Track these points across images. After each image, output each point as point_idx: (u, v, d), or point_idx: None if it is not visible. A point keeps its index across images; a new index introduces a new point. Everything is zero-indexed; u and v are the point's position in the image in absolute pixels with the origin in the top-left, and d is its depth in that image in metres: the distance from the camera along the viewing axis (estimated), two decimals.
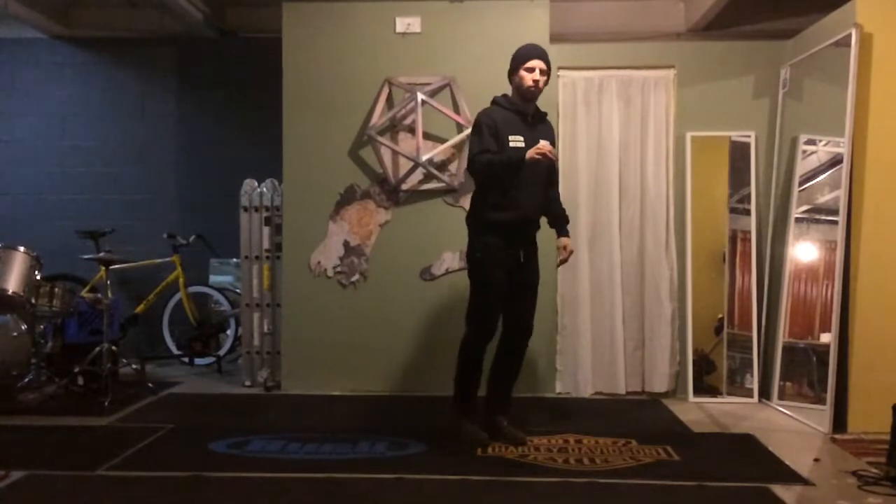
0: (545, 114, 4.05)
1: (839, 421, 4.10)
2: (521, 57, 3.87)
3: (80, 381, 4.78)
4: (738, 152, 4.98)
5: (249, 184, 5.33)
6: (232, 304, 5.96)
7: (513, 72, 3.90)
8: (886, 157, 4.14)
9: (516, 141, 3.79)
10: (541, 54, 3.87)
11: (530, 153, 3.69)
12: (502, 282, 3.83)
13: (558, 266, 4.10)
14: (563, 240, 3.98)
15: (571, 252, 4.00)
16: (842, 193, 4.12)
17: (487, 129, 3.82)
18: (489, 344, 3.91)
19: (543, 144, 3.69)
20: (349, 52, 5.06)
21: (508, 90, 3.90)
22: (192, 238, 6.00)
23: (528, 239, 3.93)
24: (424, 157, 4.92)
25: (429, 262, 5.02)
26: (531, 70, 3.82)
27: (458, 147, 4.98)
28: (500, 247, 3.82)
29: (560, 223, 4.04)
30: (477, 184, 3.92)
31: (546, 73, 3.87)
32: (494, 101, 3.95)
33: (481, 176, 3.84)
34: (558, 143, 4.99)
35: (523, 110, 3.90)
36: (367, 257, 5.08)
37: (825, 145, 4.48)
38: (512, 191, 3.78)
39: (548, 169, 3.92)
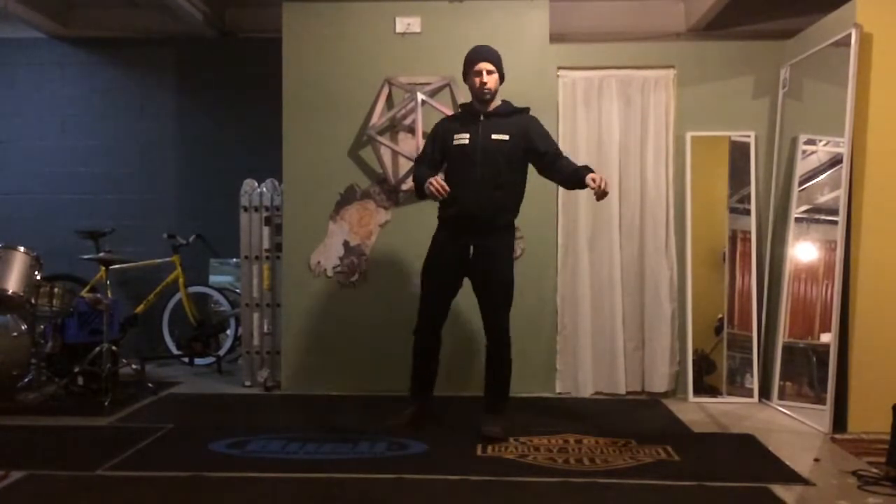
0: (522, 109, 4.11)
1: (839, 421, 4.10)
2: (468, 62, 4.03)
3: (80, 381, 4.78)
4: (738, 152, 4.98)
5: (249, 184, 5.33)
6: (232, 304, 5.96)
7: (465, 76, 4.08)
8: (886, 158, 4.14)
9: (460, 138, 3.98)
10: (485, 56, 3.99)
11: (427, 187, 3.84)
12: (442, 275, 4.03)
13: (598, 199, 3.81)
14: (590, 175, 3.78)
15: (603, 183, 3.71)
16: (842, 193, 4.12)
17: (431, 135, 4.12)
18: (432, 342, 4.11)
19: (435, 183, 3.81)
20: (349, 52, 5.07)
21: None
22: (192, 238, 6.00)
23: (477, 235, 3.96)
24: None
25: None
26: (478, 73, 3.97)
27: None
28: (446, 241, 4.03)
29: (578, 174, 3.85)
30: None
31: (493, 72, 3.98)
32: (459, 106, 4.21)
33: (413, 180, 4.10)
34: (558, 143, 5.00)
35: (478, 110, 4.04)
36: (367, 257, 5.08)
37: (825, 145, 4.48)
38: (455, 189, 3.89)
39: (502, 166, 3.93)
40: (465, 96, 4.96)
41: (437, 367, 4.21)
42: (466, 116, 4.08)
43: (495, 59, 4.01)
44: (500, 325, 4.05)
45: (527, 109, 4.14)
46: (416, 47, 5.03)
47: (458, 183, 3.92)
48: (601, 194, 3.74)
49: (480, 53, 4.01)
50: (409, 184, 5.02)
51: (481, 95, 4.00)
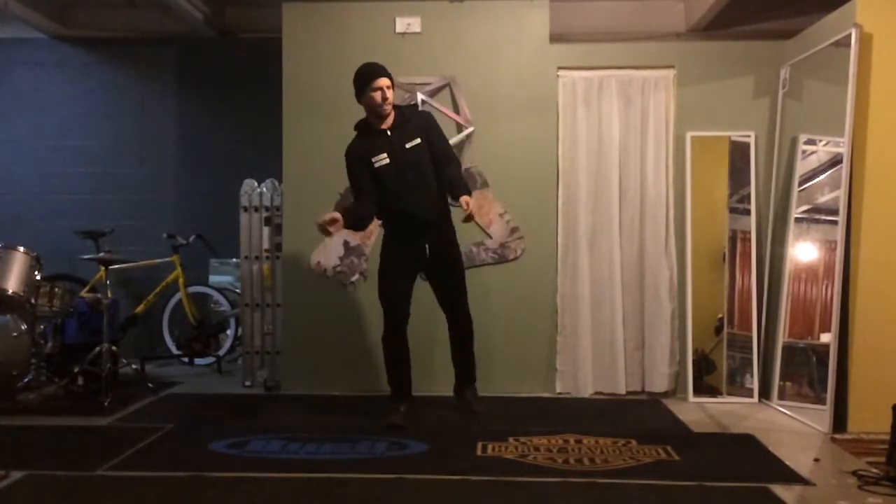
0: (413, 107, 4.23)
1: (839, 421, 4.10)
2: (366, 78, 4.03)
3: (80, 381, 4.78)
4: (738, 152, 4.98)
5: (249, 184, 5.33)
6: (232, 304, 5.97)
7: (360, 95, 4.07)
8: (886, 157, 4.14)
9: (380, 160, 4.03)
10: (382, 72, 4.05)
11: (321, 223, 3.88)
12: (404, 281, 4.17)
13: (463, 222, 4.07)
14: (463, 197, 3.99)
15: (470, 210, 3.94)
16: (842, 193, 4.12)
17: (353, 172, 4.10)
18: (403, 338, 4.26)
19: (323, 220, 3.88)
20: (349, 52, 5.05)
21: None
22: (192, 238, 6.00)
23: (430, 234, 4.14)
24: None
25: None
26: (378, 89, 4.00)
27: (457, 147, 4.97)
28: (401, 250, 4.16)
29: (457, 189, 4.05)
30: None
31: (391, 87, 4.05)
32: (356, 129, 4.16)
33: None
34: (558, 144, 5.01)
35: (378, 127, 4.08)
36: (367, 257, 5.08)
37: (825, 145, 4.48)
38: (398, 204, 4.06)
39: (426, 165, 4.08)
40: (465, 96, 4.98)
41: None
42: (372, 136, 4.09)
43: (389, 74, 4.09)
44: (465, 303, 4.31)
45: (416, 106, 4.24)
46: (416, 47, 5.03)
47: (398, 197, 4.06)
48: (467, 217, 3.97)
49: (378, 70, 4.05)
50: None
51: (382, 112, 4.05)
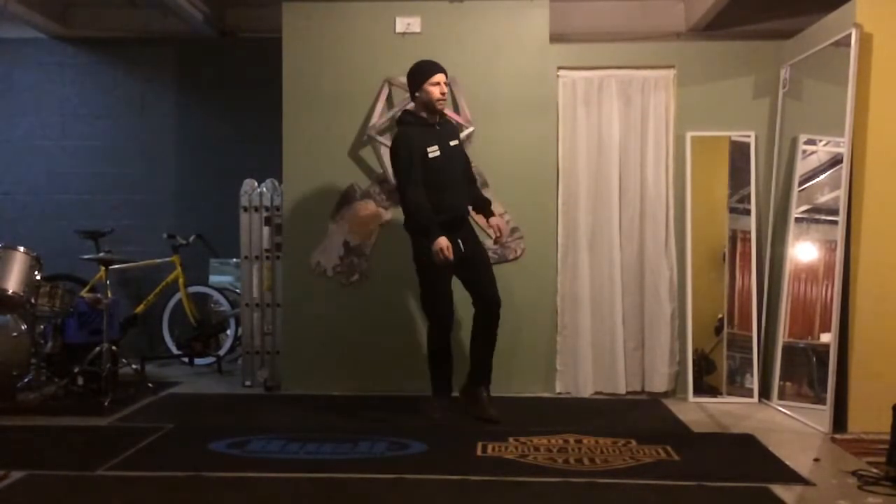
0: (444, 115, 4.42)
1: (839, 421, 4.10)
2: (426, 73, 4.22)
3: (80, 381, 4.77)
4: (738, 152, 4.98)
5: (249, 184, 5.33)
6: (232, 304, 5.96)
7: (417, 88, 4.25)
8: (886, 157, 4.14)
9: (433, 151, 4.19)
10: (441, 69, 4.25)
11: (434, 249, 4.04)
12: (446, 277, 4.23)
13: (495, 243, 4.58)
14: (493, 220, 4.40)
15: (500, 234, 4.42)
16: (842, 193, 4.12)
17: (410, 151, 4.15)
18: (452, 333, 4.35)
19: (446, 251, 4.06)
20: (349, 52, 5.06)
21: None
22: (192, 238, 6.00)
23: (463, 230, 4.31)
24: None
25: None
26: (437, 84, 4.20)
27: None
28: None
29: (486, 209, 4.45)
30: (402, 204, 4.27)
31: (447, 84, 4.30)
32: (404, 121, 4.32)
33: (409, 210, 4.19)
34: (558, 144, 5.02)
35: (431, 122, 4.26)
36: (367, 257, 5.08)
37: (825, 145, 4.48)
38: (442, 196, 4.17)
39: (463, 165, 4.39)
40: (465, 95, 4.98)
41: None
42: (424, 128, 4.26)
43: (446, 72, 4.30)
44: (498, 297, 4.38)
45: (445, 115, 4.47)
46: (416, 47, 5.02)
47: (443, 189, 4.19)
48: (496, 240, 4.46)
49: (437, 66, 4.25)
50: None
51: (438, 106, 4.26)
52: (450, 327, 4.33)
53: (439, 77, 4.21)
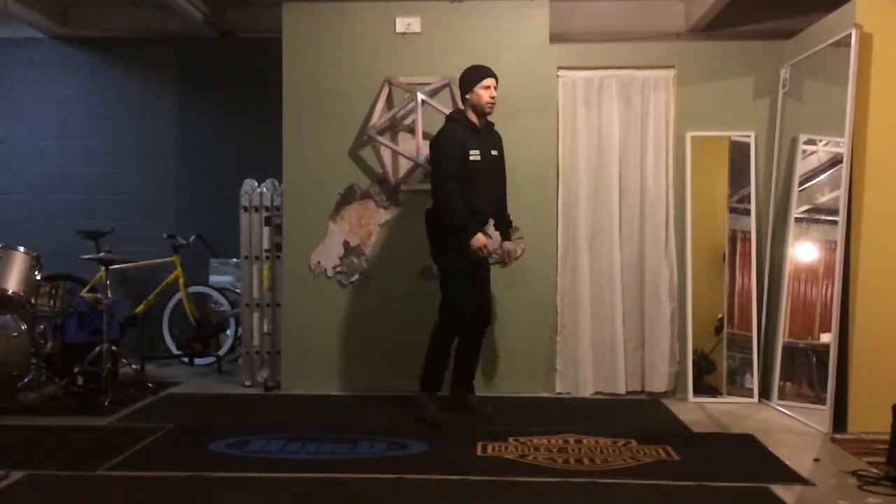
0: (492, 124, 4.42)
1: (839, 421, 4.10)
2: (478, 76, 4.28)
3: (80, 381, 4.77)
4: (738, 152, 4.98)
5: (249, 184, 5.33)
6: (232, 304, 5.96)
7: (468, 91, 4.30)
8: (886, 157, 4.14)
9: (474, 155, 4.22)
10: (492, 73, 4.30)
11: (474, 247, 4.12)
12: (469, 276, 4.28)
13: (502, 267, 4.61)
14: (507, 245, 4.49)
15: (510, 256, 4.50)
16: (842, 193, 4.12)
17: (454, 150, 4.18)
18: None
19: (487, 249, 4.19)
20: (349, 52, 5.06)
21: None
22: (192, 238, 6.00)
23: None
24: (424, 157, 4.92)
25: (429, 262, 5.01)
26: (487, 88, 4.25)
27: None
28: (462, 246, 4.21)
29: (506, 230, 4.50)
30: (436, 198, 4.26)
31: (497, 88, 4.31)
32: (454, 119, 4.35)
33: (442, 206, 4.20)
34: (558, 144, 5.02)
35: (477, 126, 4.30)
36: (367, 257, 5.08)
37: (825, 145, 4.48)
38: (473, 199, 4.20)
39: (498, 177, 4.41)
40: None
41: None
42: (468, 130, 4.29)
43: (497, 77, 4.34)
44: (492, 315, 4.57)
45: (494, 124, 4.46)
46: (416, 47, 5.03)
47: (475, 193, 4.23)
48: (505, 265, 4.56)
49: (489, 70, 4.30)
50: (409, 183, 5.03)
51: (487, 110, 4.29)
52: (467, 324, 4.31)
53: (489, 81, 4.26)
